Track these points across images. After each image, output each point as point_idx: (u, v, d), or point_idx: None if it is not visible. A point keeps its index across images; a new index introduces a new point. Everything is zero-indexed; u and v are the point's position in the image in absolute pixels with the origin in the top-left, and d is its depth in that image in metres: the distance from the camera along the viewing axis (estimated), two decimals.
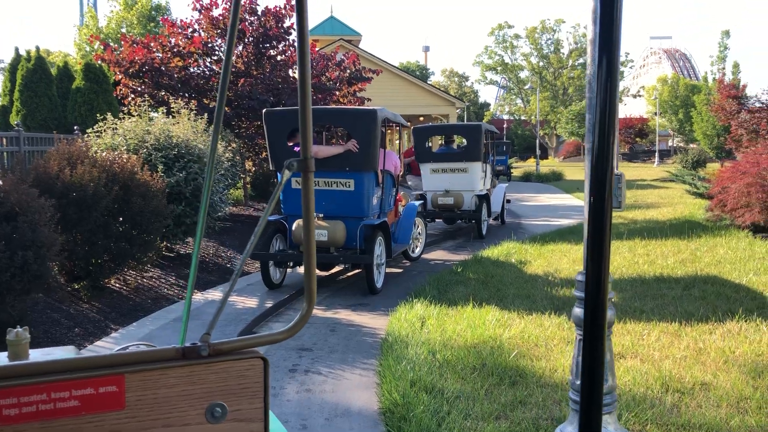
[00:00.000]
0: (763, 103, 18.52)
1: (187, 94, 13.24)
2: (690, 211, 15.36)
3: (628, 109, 69.73)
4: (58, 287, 6.58)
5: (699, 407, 4.06)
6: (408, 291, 7.69)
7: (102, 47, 14.66)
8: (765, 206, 11.06)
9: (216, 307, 1.26)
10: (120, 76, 13.19)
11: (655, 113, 55.89)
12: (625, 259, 9.34)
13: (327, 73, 15.31)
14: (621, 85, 61.68)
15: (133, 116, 9.31)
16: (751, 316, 6.01)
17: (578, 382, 3.25)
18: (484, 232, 12.48)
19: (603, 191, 0.96)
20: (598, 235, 0.99)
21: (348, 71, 15.96)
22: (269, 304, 7.19)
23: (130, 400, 1.07)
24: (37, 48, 16.26)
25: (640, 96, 66.39)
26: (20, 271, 5.04)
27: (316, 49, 16.02)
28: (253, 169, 15.73)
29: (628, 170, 39.70)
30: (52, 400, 1.02)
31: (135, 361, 1.09)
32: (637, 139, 62.73)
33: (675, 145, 64.94)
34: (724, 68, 41.89)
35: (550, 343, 5.48)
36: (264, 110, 7.93)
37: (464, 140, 13.24)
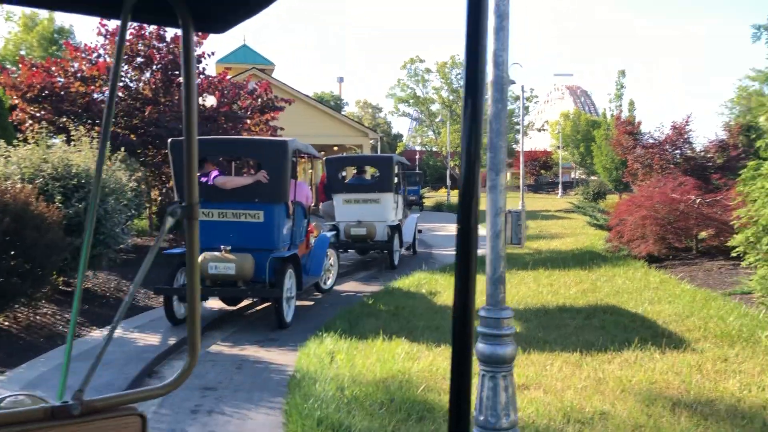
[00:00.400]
0: (655, 140, 19.72)
1: (90, 121, 12.74)
2: (591, 241, 16.04)
3: (534, 142, 72.51)
4: None
5: None
6: (319, 325, 7.60)
7: None
8: (659, 237, 11.71)
9: (94, 357, 1.17)
10: (17, 101, 12.54)
11: (559, 147, 58.44)
12: (530, 289, 9.62)
13: (238, 102, 15.14)
14: (526, 120, 64.12)
15: (30, 143, 8.84)
16: (646, 344, 6.29)
17: (482, 418, 3.28)
18: (396, 262, 12.57)
19: (469, 223, 0.96)
20: (464, 281, 0.99)
21: (260, 100, 15.84)
22: (173, 340, 6.92)
23: None
24: None
25: (544, 130, 69.20)
26: None
27: (228, 77, 15.80)
28: (159, 198, 15.25)
29: (533, 201, 41.19)
30: None
31: None
32: (542, 171, 65.34)
33: (578, 177, 67.99)
34: (621, 105, 44.40)
35: None
36: (170, 139, 7.73)
37: (376, 171, 13.37)
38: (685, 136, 18.88)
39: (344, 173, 14.46)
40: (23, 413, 1.05)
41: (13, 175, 8.08)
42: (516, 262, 12.55)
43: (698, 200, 11.89)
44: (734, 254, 8.99)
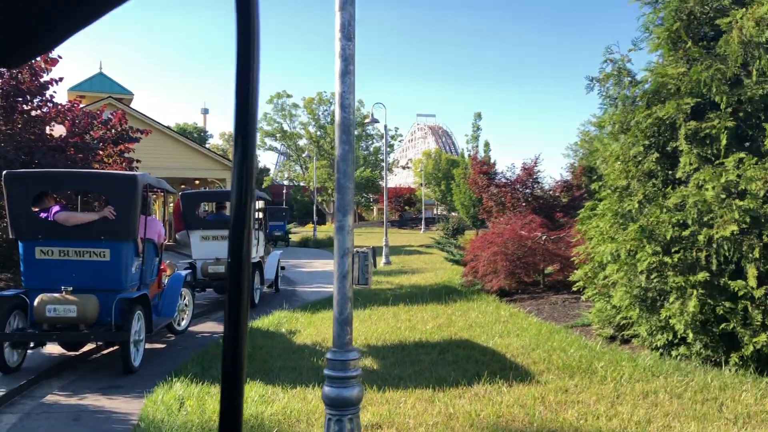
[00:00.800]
0: (507, 179, 20.89)
1: None
2: (449, 276, 16.58)
3: (398, 179, 74.59)
4: None
5: None
6: (169, 369, 7.23)
7: None
8: (509, 272, 12.32)
9: None
10: None
11: (421, 184, 60.42)
12: (389, 325, 9.74)
13: (91, 132, 14.34)
14: (391, 157, 65.97)
15: None
16: (495, 378, 6.53)
17: None
18: (257, 300, 12.30)
19: (240, 258, 0.93)
20: (234, 312, 0.94)
21: (114, 130, 15.10)
22: (2, 391, 6.30)
23: None
24: None
25: (408, 168, 71.41)
26: None
27: (81, 105, 14.96)
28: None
29: (397, 236, 42.11)
30: None
31: None
32: (406, 207, 67.17)
33: (439, 213, 70.49)
34: (477, 146, 46.77)
35: (312, 417, 5.45)
36: (4, 172, 7.15)
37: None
38: (534, 176, 20.16)
39: (206, 208, 13.98)
40: None
41: None
42: (377, 298, 12.69)
43: (544, 237, 12.67)
44: (575, 288, 9.62)
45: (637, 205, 7.58)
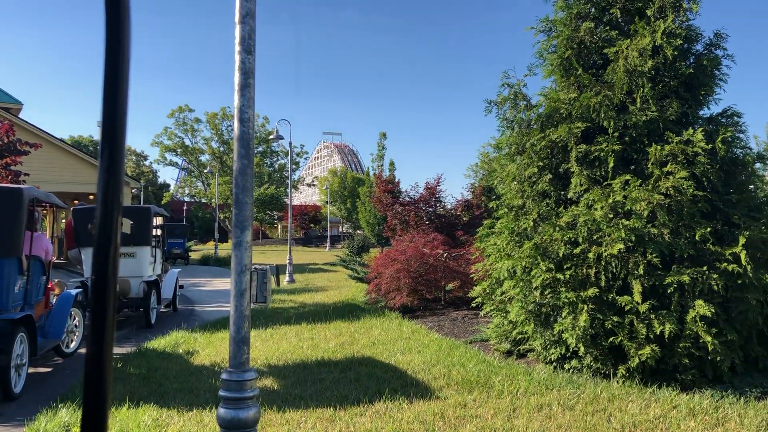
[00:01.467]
0: (411, 198, 21.20)
1: None
2: (353, 294, 16.59)
3: (304, 197, 74.17)
4: None
5: None
6: (55, 394, 6.81)
7: None
8: (412, 289, 12.47)
9: None
10: None
11: (327, 201, 60.34)
12: (291, 344, 9.60)
13: None
14: (296, 174, 65.57)
15: None
16: (396, 395, 6.55)
17: None
18: (153, 320, 11.82)
19: (105, 275, 0.88)
20: (99, 333, 0.89)
21: (0, 142, 14.22)
22: None
23: None
24: None
25: (314, 185, 71.21)
26: None
27: None
28: None
29: (302, 254, 41.79)
30: None
31: None
32: (311, 225, 66.83)
33: (345, 231, 70.59)
34: (382, 165, 47.30)
35: None
36: None
37: (132, 223, 12.61)
38: (437, 195, 20.57)
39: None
40: None
41: None
42: (280, 317, 12.50)
43: (445, 255, 12.92)
44: (475, 304, 9.85)
45: (532, 224, 7.88)
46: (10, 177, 14.60)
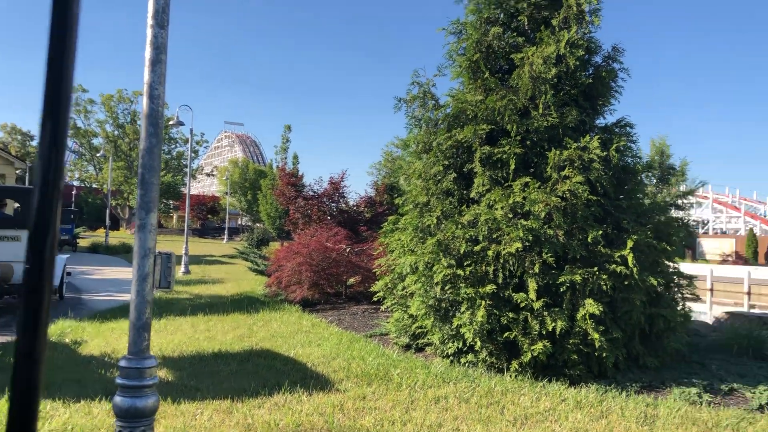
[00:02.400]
0: (315, 192, 21.11)
1: None
2: (252, 287, 16.32)
3: (202, 186, 72.16)
4: None
5: None
6: None
7: None
8: (313, 283, 12.42)
9: None
10: None
11: (226, 192, 59.00)
12: (187, 335, 9.33)
13: None
14: (195, 163, 63.67)
15: None
16: (296, 387, 6.51)
17: None
18: None
19: (42, 257, 0.83)
20: (34, 319, 0.85)
21: None
22: None
23: None
24: None
25: (213, 175, 69.46)
26: None
27: None
28: None
29: (198, 246, 40.64)
30: None
31: None
32: (209, 216, 65.12)
33: (244, 223, 69.31)
34: (286, 158, 46.77)
35: None
36: None
37: (17, 205, 11.85)
38: (341, 191, 20.58)
39: None
40: None
41: None
42: (174, 308, 12.11)
43: (348, 249, 12.96)
44: (376, 299, 9.93)
45: (435, 221, 8.04)
46: None
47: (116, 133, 62.47)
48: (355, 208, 20.28)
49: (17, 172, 28.22)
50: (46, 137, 0.75)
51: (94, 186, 64.10)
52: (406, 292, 8.59)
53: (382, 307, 9.84)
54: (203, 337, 9.28)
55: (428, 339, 8.33)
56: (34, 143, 71.59)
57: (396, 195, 11.54)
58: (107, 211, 42.88)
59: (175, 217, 71.89)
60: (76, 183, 67.22)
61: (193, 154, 27.24)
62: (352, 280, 13.59)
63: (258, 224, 54.01)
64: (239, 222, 72.78)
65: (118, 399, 3.10)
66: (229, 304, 12.76)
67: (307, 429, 5.31)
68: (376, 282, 9.94)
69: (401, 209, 9.45)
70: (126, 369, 3.14)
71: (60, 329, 9.44)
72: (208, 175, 68.89)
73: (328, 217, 19.63)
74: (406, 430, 5.35)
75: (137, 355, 3.18)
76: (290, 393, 6.33)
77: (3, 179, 26.84)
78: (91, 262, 23.69)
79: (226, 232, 55.62)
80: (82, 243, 32.81)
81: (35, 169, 0.73)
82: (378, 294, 9.67)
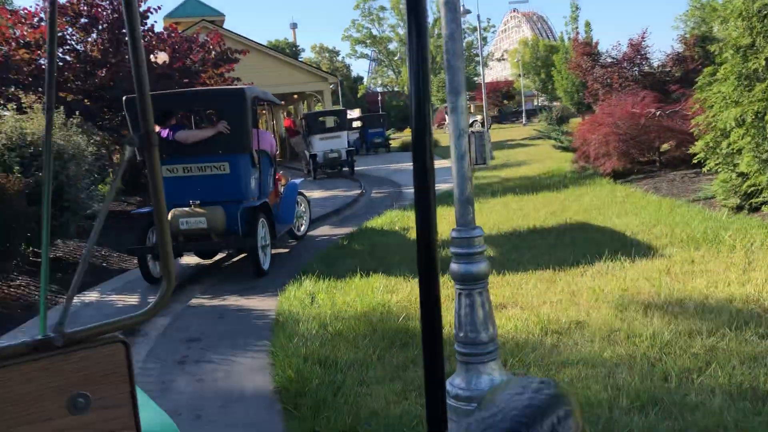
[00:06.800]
0: (613, 59, 19.77)
1: (39, 89, 12.33)
2: (558, 165, 16.22)
3: (494, 73, 72.23)
4: None
5: (575, 344, 4.35)
6: (296, 270, 7.65)
7: None
8: (622, 153, 11.89)
9: (78, 303, 1.17)
10: None
11: (520, 75, 58.29)
12: (501, 215, 9.75)
13: (191, 56, 14.76)
14: (485, 50, 63.77)
15: None
16: (616, 255, 6.46)
17: (462, 334, 3.38)
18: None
19: (424, 154, 0.97)
20: (423, 191, 0.99)
21: (213, 52, 15.47)
22: (152, 299, 6.92)
23: None
24: None
25: (503, 59, 68.94)
26: None
27: (179, 31, 15.37)
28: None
29: (498, 132, 41.31)
30: None
31: None
32: (505, 101, 65.25)
33: (540, 104, 68.13)
34: (577, 27, 44.13)
35: None
36: (124, 98, 7.54)
37: (335, 119, 20.91)
38: (642, 53, 18.95)
39: (323, 120, 21.28)
40: (5, 348, 1.07)
41: None
42: (484, 191, 12.67)
43: (658, 113, 12.04)
44: (695, 161, 9.17)
45: (764, 63, 7.01)
46: (226, 84, 15.95)
47: None
48: (660, 68, 18.58)
49: (330, 86, 31.30)
50: (413, 50, 0.88)
51: (395, 89, 68.39)
52: (732, 149, 7.76)
53: (704, 170, 9.06)
54: (516, 215, 9.62)
55: (764, 198, 7.50)
56: (340, 58, 78.46)
57: (710, 45, 10.21)
58: (411, 111, 45.53)
59: (472, 107, 73.70)
60: (379, 89, 72.45)
61: (482, 42, 27.24)
62: (665, 146, 12.68)
63: (555, 102, 52.67)
64: (535, 103, 71.76)
65: (453, 266, 3.44)
66: (537, 183, 12.94)
67: (634, 293, 5.29)
68: (694, 143, 9.14)
69: (718, 58, 8.41)
70: (457, 239, 3.45)
71: (390, 219, 10.57)
72: (499, 60, 68.65)
73: (631, 83, 18.31)
74: (744, 291, 5.00)
75: (465, 226, 3.46)
76: (611, 261, 6.31)
77: (321, 94, 30.16)
78: (402, 160, 25.71)
79: (523, 114, 55.38)
80: (394, 143, 35.61)
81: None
82: (698, 156, 8.90)
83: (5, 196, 6.65)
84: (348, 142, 20.66)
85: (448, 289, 5.99)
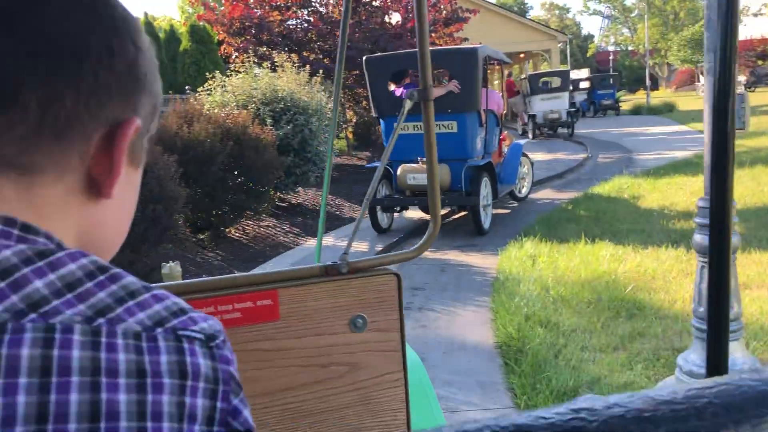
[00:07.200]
0: None
1: (287, 48, 13.48)
2: None
3: (749, 30, 64.24)
4: (184, 238, 7.05)
5: None
6: (516, 231, 7.65)
7: (202, 7, 15.08)
8: None
9: (351, 230, 1.35)
10: (223, 36, 13.58)
11: None
12: (748, 188, 8.81)
13: None
14: (741, 3, 56.85)
15: (240, 73, 9.63)
16: None
17: (702, 309, 3.18)
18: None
19: (725, 108, 0.94)
20: (722, 153, 0.97)
21: (444, 12, 15.67)
22: (379, 247, 7.39)
23: (283, 312, 1.19)
24: (145, 14, 17.02)
25: (761, 15, 61.00)
26: (152, 224, 5.44)
27: None
28: (354, 118, 15.92)
29: (750, 96, 36.95)
30: (219, 312, 1.15)
31: (286, 278, 1.21)
32: (759, 61, 57.93)
33: None
34: None
35: (668, 275, 5.34)
36: (364, 57, 7.97)
37: (558, 79, 20.75)
38: None
39: (546, 80, 21.10)
40: (304, 270, 1.26)
41: (229, 103, 8.91)
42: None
43: None
44: None
45: None
46: (455, 44, 16.11)
47: None
48: None
49: (559, 45, 30.17)
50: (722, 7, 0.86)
51: (630, 48, 63.97)
52: None
53: None
54: (767, 189, 8.64)
55: None
56: (570, 15, 75.04)
57: None
58: (646, 71, 42.48)
59: None
60: (611, 48, 68.20)
61: None
62: None
63: None
64: None
65: (697, 237, 3.23)
66: None
67: None
68: None
69: None
70: (704, 209, 3.22)
71: (618, 185, 10.07)
72: (754, 15, 60.91)
73: None
74: None
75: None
76: None
77: (548, 53, 29.19)
78: (633, 124, 24.13)
79: None
80: (624, 106, 33.47)
81: (711, 19, 0.85)
82: None
83: (261, 146, 7.44)
84: (569, 103, 20.47)
85: (682, 263, 5.63)
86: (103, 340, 0.48)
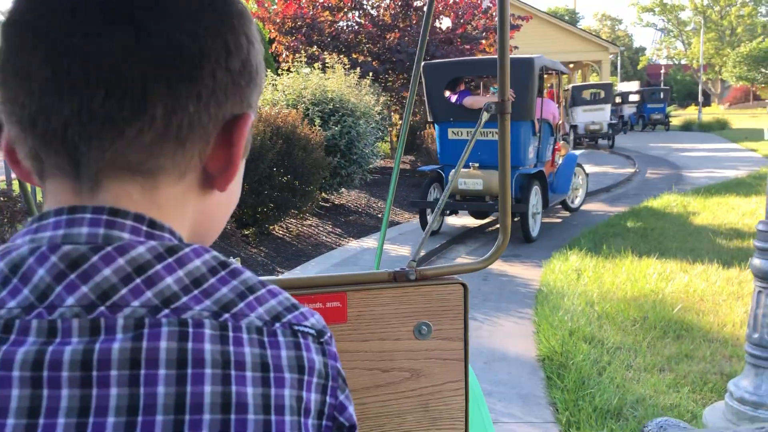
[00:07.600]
0: None
1: (336, 49, 13.57)
2: None
3: None
4: (230, 233, 7.15)
5: None
6: (563, 242, 7.56)
7: (255, 4, 15.25)
8: None
9: (420, 237, 1.34)
10: (275, 34, 13.73)
11: None
12: None
13: (473, 23, 15.04)
14: None
15: (291, 72, 9.74)
16: None
17: (756, 336, 3.09)
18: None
19: None
20: None
21: (495, 19, 15.60)
22: (424, 252, 7.37)
23: (351, 315, 1.21)
24: None
25: None
26: None
27: None
28: (400, 122, 15.94)
29: None
30: None
31: (355, 281, 1.22)
32: None
33: None
34: None
35: (718, 297, 5.21)
36: (423, 63, 7.96)
37: (602, 92, 21.32)
38: None
39: (589, 92, 21.73)
40: (374, 275, 1.27)
41: (279, 101, 9.01)
42: None
43: None
44: None
45: None
46: None
47: (705, 2, 58.98)
48: None
49: (610, 56, 29.78)
50: None
51: (683, 62, 62.71)
52: None
53: None
54: None
55: None
56: (622, 27, 73.92)
57: None
58: (699, 87, 41.55)
59: None
60: (663, 62, 66.94)
61: None
62: None
63: None
64: None
65: (756, 261, 3.14)
66: None
67: None
68: None
69: None
70: (763, 233, 3.14)
71: (667, 202, 9.87)
72: None
73: None
74: None
75: None
76: None
77: (599, 64, 28.81)
78: (683, 140, 23.65)
79: None
80: (674, 121, 32.80)
81: None
82: None
83: (309, 146, 7.51)
84: (613, 115, 21.54)
85: (733, 285, 5.50)
86: (230, 334, 0.50)
